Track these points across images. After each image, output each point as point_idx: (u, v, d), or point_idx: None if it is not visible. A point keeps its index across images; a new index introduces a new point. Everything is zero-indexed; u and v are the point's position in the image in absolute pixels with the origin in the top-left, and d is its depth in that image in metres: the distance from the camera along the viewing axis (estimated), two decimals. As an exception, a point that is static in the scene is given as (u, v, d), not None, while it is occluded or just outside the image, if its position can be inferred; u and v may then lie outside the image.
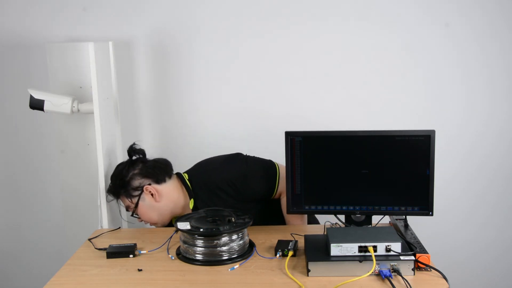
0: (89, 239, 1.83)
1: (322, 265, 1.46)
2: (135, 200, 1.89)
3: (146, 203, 1.89)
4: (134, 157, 1.95)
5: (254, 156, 2.00)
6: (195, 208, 1.93)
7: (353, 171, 1.72)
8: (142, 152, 1.97)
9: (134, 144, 1.97)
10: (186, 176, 1.97)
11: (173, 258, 1.65)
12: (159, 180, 1.91)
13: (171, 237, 1.76)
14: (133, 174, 1.90)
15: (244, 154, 2.01)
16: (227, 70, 2.48)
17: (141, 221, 1.96)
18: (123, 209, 2.00)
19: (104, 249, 1.70)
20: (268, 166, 1.95)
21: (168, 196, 1.91)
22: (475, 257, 2.61)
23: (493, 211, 2.58)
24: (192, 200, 1.93)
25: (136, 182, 1.89)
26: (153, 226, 2.02)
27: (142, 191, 1.88)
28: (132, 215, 1.93)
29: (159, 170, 1.92)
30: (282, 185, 1.90)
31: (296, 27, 2.43)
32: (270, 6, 2.41)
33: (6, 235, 2.71)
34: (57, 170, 2.42)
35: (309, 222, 2.00)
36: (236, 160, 1.96)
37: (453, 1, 2.38)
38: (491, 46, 2.42)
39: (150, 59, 2.46)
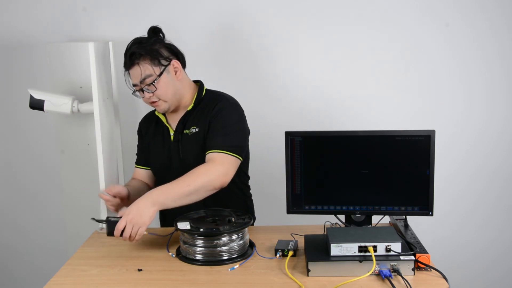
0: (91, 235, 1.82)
1: (322, 265, 1.46)
2: (161, 69, 1.81)
3: (169, 76, 1.83)
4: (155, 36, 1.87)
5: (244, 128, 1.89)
6: (186, 115, 1.89)
7: (353, 171, 1.72)
8: (163, 34, 1.89)
9: (156, 26, 1.88)
10: (205, 87, 1.95)
11: (173, 256, 1.65)
12: (181, 62, 1.88)
13: (172, 234, 1.77)
14: (160, 45, 1.84)
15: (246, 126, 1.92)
16: (226, 70, 2.48)
17: (149, 98, 1.84)
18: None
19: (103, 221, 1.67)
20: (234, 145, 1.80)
21: (184, 81, 1.89)
22: (475, 257, 2.61)
23: (493, 211, 2.58)
24: (192, 106, 1.90)
25: (165, 53, 1.84)
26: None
27: (169, 63, 1.83)
28: (148, 85, 1.80)
29: (182, 54, 1.90)
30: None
31: (296, 28, 2.44)
32: (270, 6, 2.42)
33: (7, 234, 2.72)
34: (57, 170, 2.43)
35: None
36: (238, 111, 1.89)
37: (453, 1, 2.39)
38: (491, 46, 2.42)
39: (150, 59, 2.46)
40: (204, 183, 1.67)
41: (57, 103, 2.06)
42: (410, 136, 1.68)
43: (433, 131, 1.66)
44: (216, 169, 1.71)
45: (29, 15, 2.47)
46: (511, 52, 2.43)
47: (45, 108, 2.05)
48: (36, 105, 2.05)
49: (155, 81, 1.81)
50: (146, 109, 2.51)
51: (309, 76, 2.48)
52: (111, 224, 1.61)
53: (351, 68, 2.46)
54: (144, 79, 1.81)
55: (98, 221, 1.68)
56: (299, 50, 2.46)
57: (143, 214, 1.60)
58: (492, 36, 2.41)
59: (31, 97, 2.04)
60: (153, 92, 1.82)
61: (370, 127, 1.90)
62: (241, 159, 1.81)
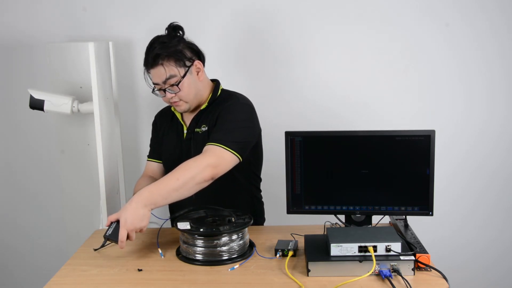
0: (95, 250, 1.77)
1: (322, 265, 1.46)
2: (185, 70, 1.80)
3: (192, 77, 1.82)
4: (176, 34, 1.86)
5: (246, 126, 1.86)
6: (199, 113, 1.90)
7: (353, 171, 1.72)
8: (183, 31, 1.87)
9: (175, 22, 1.87)
10: (220, 87, 1.95)
11: (163, 256, 1.64)
12: (202, 62, 1.88)
13: (160, 226, 1.76)
14: (184, 45, 1.83)
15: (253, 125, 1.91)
16: (227, 70, 2.47)
17: (171, 98, 1.83)
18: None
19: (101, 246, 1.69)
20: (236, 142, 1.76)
21: (205, 81, 1.89)
22: (475, 257, 2.61)
23: (493, 211, 2.58)
24: (205, 105, 1.89)
25: (188, 53, 1.83)
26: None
27: (192, 64, 1.83)
28: (172, 85, 1.79)
29: (203, 53, 1.89)
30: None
31: (296, 28, 2.44)
32: (270, 6, 2.42)
33: (7, 234, 2.72)
34: (57, 170, 2.43)
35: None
36: (247, 110, 1.89)
37: (453, 1, 2.39)
38: (491, 46, 2.42)
39: (150, 59, 2.46)
40: (192, 175, 1.61)
41: (57, 103, 2.06)
42: (410, 136, 1.68)
43: (433, 131, 1.66)
44: (205, 160, 1.66)
45: (29, 15, 2.47)
46: (511, 52, 2.43)
47: (45, 108, 2.06)
48: (36, 105, 2.05)
49: (179, 83, 1.80)
50: (146, 109, 2.52)
51: (308, 77, 2.48)
52: (117, 238, 1.59)
53: (351, 68, 2.46)
54: (168, 79, 1.80)
55: (104, 244, 1.67)
56: (299, 50, 2.46)
57: (141, 218, 1.58)
58: (492, 36, 2.41)
59: (31, 97, 2.05)
60: (175, 93, 1.82)
61: (370, 127, 1.90)
62: (240, 157, 1.74)
